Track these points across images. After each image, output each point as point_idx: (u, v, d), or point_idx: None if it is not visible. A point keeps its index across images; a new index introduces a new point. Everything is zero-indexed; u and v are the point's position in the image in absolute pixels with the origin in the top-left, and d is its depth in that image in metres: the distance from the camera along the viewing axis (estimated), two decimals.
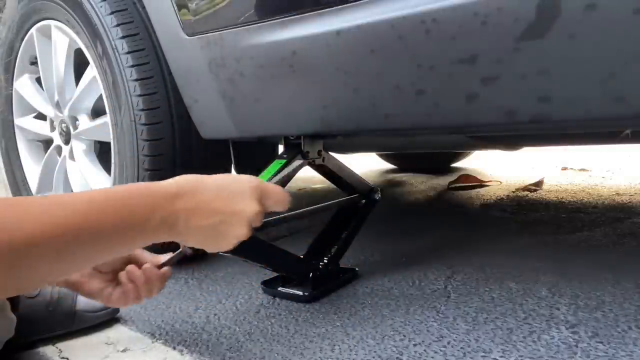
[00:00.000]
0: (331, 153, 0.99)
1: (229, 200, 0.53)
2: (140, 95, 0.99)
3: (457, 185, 1.97)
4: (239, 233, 0.55)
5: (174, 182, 0.52)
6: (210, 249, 0.56)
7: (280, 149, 1.11)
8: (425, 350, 0.68)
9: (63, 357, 0.74)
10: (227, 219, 0.53)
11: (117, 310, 0.86)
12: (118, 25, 1.01)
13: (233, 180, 0.55)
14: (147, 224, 0.48)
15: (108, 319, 0.84)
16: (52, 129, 1.31)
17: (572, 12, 0.54)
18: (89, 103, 1.18)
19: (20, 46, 1.32)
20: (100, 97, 1.11)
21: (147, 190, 0.49)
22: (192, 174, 0.54)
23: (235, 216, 0.53)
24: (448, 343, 0.69)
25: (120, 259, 0.65)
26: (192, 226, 0.51)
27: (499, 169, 2.43)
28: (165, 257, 0.66)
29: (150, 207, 0.48)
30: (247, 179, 0.57)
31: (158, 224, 0.48)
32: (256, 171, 0.88)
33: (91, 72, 1.11)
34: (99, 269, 0.64)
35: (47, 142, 1.38)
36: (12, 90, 1.39)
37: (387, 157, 2.71)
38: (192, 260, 1.13)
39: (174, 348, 0.74)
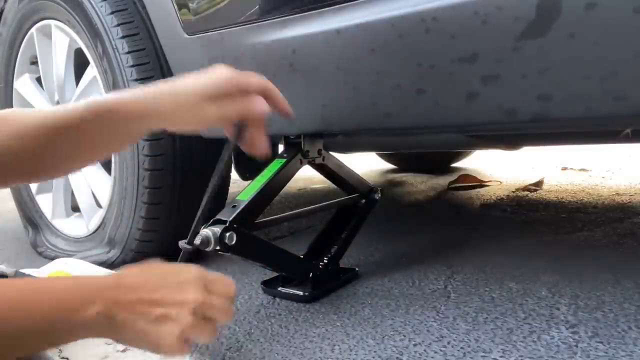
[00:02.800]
0: (331, 153, 0.99)
1: (172, 290, 0.48)
2: None
3: (457, 185, 1.97)
4: (183, 324, 0.48)
5: (114, 274, 0.50)
6: (150, 348, 0.49)
7: (280, 148, 1.11)
8: (425, 350, 0.68)
9: (63, 357, 0.74)
10: (169, 311, 0.47)
11: None
12: (118, 25, 1.01)
13: (175, 271, 0.51)
14: (83, 317, 0.43)
15: None
16: None
17: (573, 11, 0.54)
18: None
19: (20, 46, 1.32)
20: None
21: (81, 280, 0.47)
22: (133, 270, 0.50)
23: (178, 307, 0.48)
24: (448, 343, 0.69)
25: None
26: (131, 320, 0.46)
27: (499, 169, 2.42)
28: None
29: (90, 296, 0.44)
30: (188, 268, 0.52)
31: (96, 317, 0.44)
32: (256, 170, 0.88)
33: (91, 71, 1.11)
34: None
35: None
36: (11, 90, 1.39)
37: (387, 157, 2.71)
38: (191, 260, 1.13)
39: None
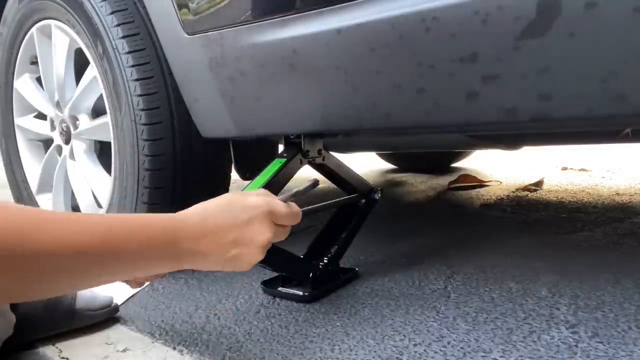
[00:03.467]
0: (331, 152, 0.99)
1: (243, 231, 0.55)
2: (140, 95, 0.99)
3: (457, 185, 1.97)
4: (254, 259, 0.57)
5: (194, 214, 0.54)
6: (225, 271, 0.60)
7: (280, 148, 1.11)
8: (425, 350, 0.68)
9: (63, 357, 0.74)
10: (242, 249, 0.55)
11: (116, 309, 0.86)
12: (118, 25, 1.01)
13: (244, 208, 0.56)
14: (165, 255, 0.50)
15: (108, 317, 0.83)
16: (53, 128, 1.31)
17: (573, 10, 0.54)
18: (90, 103, 1.18)
19: (20, 46, 1.32)
20: (101, 97, 1.11)
21: (168, 221, 0.51)
22: (203, 205, 0.56)
23: (250, 245, 0.55)
24: (448, 343, 0.69)
25: None
26: (209, 260, 0.54)
27: (499, 169, 2.43)
28: None
29: (170, 239, 0.50)
30: (256, 203, 0.57)
31: (177, 255, 0.51)
32: (256, 170, 0.88)
33: (91, 71, 1.11)
34: None
35: (47, 142, 1.38)
36: (11, 89, 1.39)
37: (387, 157, 2.71)
38: None
39: (174, 348, 0.74)
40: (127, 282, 0.70)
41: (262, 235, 0.56)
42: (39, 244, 0.41)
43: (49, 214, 0.45)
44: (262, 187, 0.82)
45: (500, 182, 2.02)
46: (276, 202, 0.60)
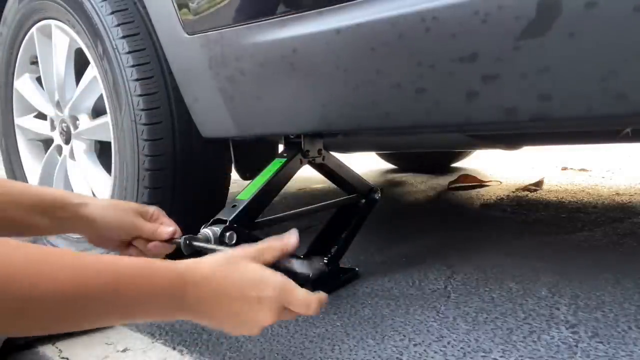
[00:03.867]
0: (331, 152, 0.99)
1: (249, 309, 0.52)
2: (140, 95, 0.99)
3: (457, 185, 1.97)
4: (249, 333, 0.55)
5: (206, 275, 0.51)
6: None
7: (281, 148, 1.11)
8: (425, 350, 0.68)
9: (63, 357, 0.74)
10: (242, 324, 0.53)
11: None
12: (118, 25, 1.01)
13: (258, 286, 0.53)
14: (167, 308, 0.49)
15: None
16: (53, 128, 1.31)
17: (573, 10, 0.54)
18: (90, 103, 1.18)
19: (20, 46, 1.32)
20: (101, 96, 1.11)
21: (176, 275, 0.49)
22: (217, 263, 0.53)
23: (250, 323, 0.53)
24: (448, 343, 0.69)
25: (127, 231, 0.71)
26: (209, 320, 0.52)
27: (499, 169, 2.42)
28: (166, 230, 0.72)
29: (176, 293, 0.48)
30: (273, 284, 0.53)
31: (179, 309, 0.49)
32: (256, 170, 0.88)
33: (91, 71, 1.11)
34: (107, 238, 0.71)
35: (48, 142, 1.38)
36: (12, 89, 1.39)
37: (387, 157, 2.71)
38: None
39: (174, 348, 0.74)
40: None
41: (266, 320, 0.53)
42: (31, 287, 0.40)
43: (49, 254, 0.43)
44: (263, 187, 0.82)
45: (500, 182, 2.02)
46: (294, 289, 0.55)
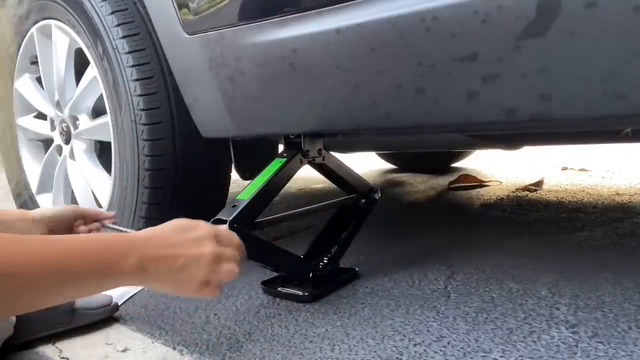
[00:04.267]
0: (331, 152, 0.99)
1: (190, 244, 0.58)
2: (140, 95, 0.99)
3: (457, 185, 1.97)
4: (201, 275, 0.58)
5: (142, 231, 0.58)
6: (174, 292, 0.60)
7: (280, 147, 1.11)
8: (425, 350, 0.68)
9: (63, 357, 0.74)
10: (190, 262, 0.57)
11: (115, 308, 0.86)
12: (118, 25, 1.01)
13: (190, 227, 0.60)
14: (122, 267, 0.52)
15: (107, 316, 0.83)
16: (53, 128, 1.31)
17: (573, 10, 0.54)
18: (90, 103, 1.19)
19: (20, 46, 1.32)
20: (101, 96, 1.11)
21: (122, 236, 0.54)
22: (159, 228, 0.59)
23: (197, 259, 0.57)
24: (448, 343, 0.69)
25: (71, 216, 0.79)
26: (160, 271, 0.55)
27: (499, 169, 2.42)
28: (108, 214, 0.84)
29: (126, 250, 0.52)
30: (202, 225, 0.61)
31: (132, 268, 0.52)
32: (256, 170, 0.88)
33: (92, 71, 1.11)
34: (53, 227, 0.76)
35: (48, 142, 1.38)
36: (12, 89, 1.39)
37: (387, 157, 2.71)
38: None
39: (174, 348, 0.74)
40: None
41: (208, 249, 0.58)
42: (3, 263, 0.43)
43: (11, 237, 0.46)
44: (263, 187, 0.83)
45: (500, 182, 2.02)
46: (221, 228, 0.64)
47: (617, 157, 2.54)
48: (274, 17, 0.78)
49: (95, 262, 0.50)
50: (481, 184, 1.98)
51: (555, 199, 1.63)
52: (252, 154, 1.15)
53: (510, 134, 1.12)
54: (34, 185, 1.40)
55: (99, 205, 1.19)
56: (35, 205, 1.38)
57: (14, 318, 0.71)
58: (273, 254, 0.87)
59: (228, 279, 0.61)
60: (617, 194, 1.65)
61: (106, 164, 1.17)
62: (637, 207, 1.43)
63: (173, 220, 0.61)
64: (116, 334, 0.80)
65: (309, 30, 0.74)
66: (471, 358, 0.65)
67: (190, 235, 0.58)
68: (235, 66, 0.86)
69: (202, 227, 0.60)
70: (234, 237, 0.65)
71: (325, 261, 0.93)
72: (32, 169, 1.43)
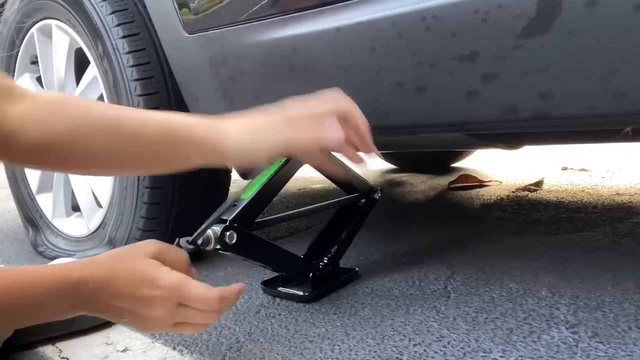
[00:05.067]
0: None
1: (142, 305, 0.51)
2: (140, 95, 0.99)
3: (457, 185, 1.97)
4: (153, 330, 0.57)
5: (96, 266, 0.51)
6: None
7: None
8: (425, 350, 0.68)
9: (63, 357, 0.74)
10: (135, 321, 0.53)
11: None
12: (119, 24, 1.01)
13: (149, 281, 0.52)
14: (56, 309, 0.49)
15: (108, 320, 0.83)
16: None
17: (573, 8, 0.54)
18: None
19: (20, 45, 1.32)
20: (101, 96, 1.11)
21: (64, 279, 0.49)
22: (115, 259, 0.52)
23: (142, 323, 0.53)
24: (448, 343, 0.69)
25: None
26: (108, 315, 0.52)
27: (499, 169, 2.42)
28: None
29: (64, 298, 0.49)
30: (164, 283, 0.52)
31: (73, 307, 0.50)
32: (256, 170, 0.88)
33: (92, 71, 1.11)
34: None
35: None
36: None
37: (387, 157, 2.71)
38: (192, 259, 1.13)
39: (174, 348, 0.74)
40: None
41: (160, 319, 0.52)
42: None
43: None
44: (263, 187, 0.82)
45: (500, 182, 2.02)
46: (190, 287, 0.53)
47: (617, 157, 2.53)
48: (274, 16, 0.78)
49: (34, 313, 0.49)
50: (481, 184, 1.98)
51: (555, 199, 1.63)
52: None
53: (510, 133, 1.12)
54: (33, 185, 1.40)
55: (99, 205, 1.19)
56: (35, 205, 1.38)
57: None
58: (273, 254, 0.86)
59: (192, 333, 0.57)
60: (617, 194, 1.65)
61: None
62: (637, 207, 1.43)
63: (142, 256, 0.53)
64: (116, 334, 0.80)
65: (310, 29, 0.74)
66: (471, 358, 0.65)
67: (145, 292, 0.51)
68: (235, 65, 0.86)
69: (161, 286, 0.51)
70: (205, 296, 0.54)
71: (325, 261, 0.93)
72: (32, 169, 1.42)
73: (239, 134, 0.60)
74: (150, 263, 0.53)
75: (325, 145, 0.61)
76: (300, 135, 0.60)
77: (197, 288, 0.54)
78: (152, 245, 0.55)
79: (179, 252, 0.58)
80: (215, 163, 0.60)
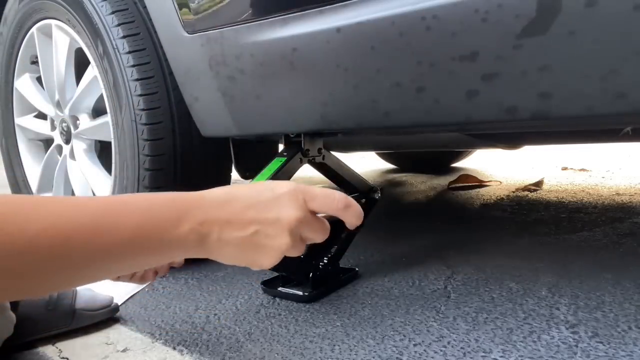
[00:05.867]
0: (331, 152, 0.99)
1: (264, 208, 0.45)
2: (141, 95, 0.99)
3: (457, 185, 1.97)
4: (279, 243, 0.46)
5: (204, 192, 0.46)
6: (248, 264, 0.47)
7: (281, 147, 1.11)
8: (425, 350, 0.68)
9: (63, 357, 0.74)
10: (263, 228, 0.45)
11: (116, 309, 0.85)
12: (119, 24, 1.01)
13: (266, 188, 0.47)
14: (173, 234, 0.41)
15: (107, 317, 0.83)
16: (53, 128, 1.31)
17: (573, 8, 0.54)
18: (90, 102, 1.19)
19: (20, 45, 1.32)
20: (101, 96, 1.11)
21: (174, 197, 0.43)
22: (222, 187, 0.47)
23: (272, 225, 0.45)
24: (448, 343, 0.69)
25: None
26: (225, 239, 0.44)
27: (499, 169, 2.42)
28: None
29: (177, 214, 0.42)
30: (283, 184, 0.48)
31: (186, 235, 0.42)
32: (257, 169, 0.88)
33: (92, 71, 1.11)
34: None
35: (48, 142, 1.38)
36: (12, 89, 1.39)
37: (387, 157, 2.71)
38: (192, 260, 1.13)
39: (174, 348, 0.74)
40: (130, 278, 0.71)
41: (288, 214, 0.45)
42: (24, 234, 0.35)
43: (38, 200, 0.38)
44: None
45: (500, 182, 2.02)
46: (310, 186, 0.49)
47: (617, 157, 2.53)
48: (274, 15, 0.78)
49: (133, 234, 0.39)
50: (481, 184, 1.98)
51: (555, 199, 1.63)
52: (252, 153, 1.15)
53: (510, 133, 1.12)
54: (34, 185, 1.40)
55: None
56: None
57: (14, 317, 0.71)
58: None
59: (319, 240, 0.49)
60: (617, 194, 1.65)
61: (106, 164, 1.17)
62: (637, 207, 1.43)
63: (249, 184, 0.48)
64: (116, 334, 0.80)
65: (310, 28, 0.74)
66: (471, 358, 0.65)
67: (267, 194, 0.46)
68: (235, 65, 0.86)
69: (283, 184, 0.47)
70: (331, 200, 0.49)
71: (325, 261, 0.93)
72: (32, 169, 1.43)
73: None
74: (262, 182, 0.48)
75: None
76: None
77: (318, 188, 0.49)
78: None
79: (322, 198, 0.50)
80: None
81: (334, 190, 0.50)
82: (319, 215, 0.51)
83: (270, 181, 0.49)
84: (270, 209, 0.45)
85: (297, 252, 0.48)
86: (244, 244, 0.45)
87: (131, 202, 0.41)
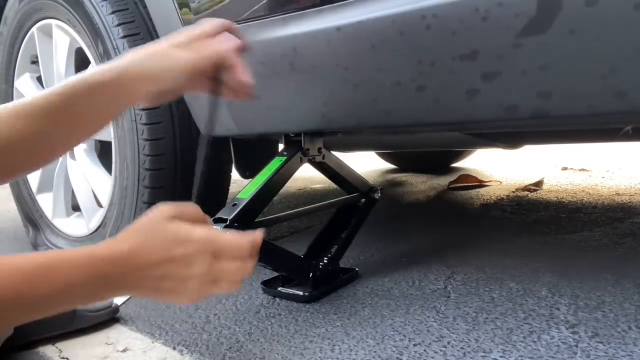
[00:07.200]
0: (331, 151, 0.99)
1: (178, 266, 0.49)
2: None
3: (457, 185, 1.97)
4: (192, 296, 0.51)
5: (123, 241, 0.49)
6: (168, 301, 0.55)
7: (281, 147, 1.11)
8: (425, 350, 0.68)
9: (63, 357, 0.74)
10: (176, 286, 0.50)
11: (116, 310, 0.85)
12: (119, 24, 1.01)
13: (181, 240, 0.50)
14: (85, 292, 0.47)
15: (108, 318, 0.83)
16: None
17: (573, 7, 0.54)
18: None
19: (21, 45, 1.32)
20: None
21: (89, 258, 0.47)
22: (135, 232, 0.50)
23: (184, 282, 0.50)
24: (448, 343, 0.69)
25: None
26: (141, 290, 0.50)
27: (499, 169, 2.42)
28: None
29: (93, 275, 0.46)
30: (196, 236, 0.50)
31: (104, 287, 0.47)
32: (257, 169, 0.88)
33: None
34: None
35: None
36: (12, 89, 1.39)
37: (387, 157, 2.71)
38: None
39: (174, 348, 0.74)
40: None
41: (200, 269, 0.50)
42: None
43: None
44: (263, 186, 0.82)
45: (500, 182, 2.02)
46: (220, 235, 0.52)
47: (617, 157, 2.53)
48: (274, 15, 0.78)
49: (51, 295, 0.45)
50: (481, 184, 1.98)
51: (555, 199, 1.63)
52: (252, 152, 1.15)
53: (510, 133, 1.12)
54: (34, 185, 1.40)
55: (100, 205, 1.19)
56: (35, 204, 1.38)
57: None
58: (273, 254, 0.86)
59: (228, 291, 0.54)
60: (617, 194, 1.65)
61: (106, 164, 1.17)
62: (637, 207, 1.43)
63: (163, 220, 0.50)
64: (116, 334, 0.80)
65: (310, 28, 0.74)
66: (471, 358, 0.65)
67: (178, 252, 0.49)
68: None
69: (195, 240, 0.50)
70: (238, 242, 0.54)
71: (325, 261, 0.93)
72: None
73: (142, 61, 0.59)
74: (175, 223, 0.51)
75: (226, 53, 0.61)
76: (201, 52, 0.60)
77: (228, 236, 0.53)
78: (166, 208, 0.52)
79: (192, 206, 0.55)
80: (128, 102, 0.61)
81: (239, 237, 0.54)
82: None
83: (183, 228, 0.51)
84: (182, 267, 0.49)
85: (218, 292, 0.54)
86: (158, 293, 0.50)
87: (41, 266, 0.45)
